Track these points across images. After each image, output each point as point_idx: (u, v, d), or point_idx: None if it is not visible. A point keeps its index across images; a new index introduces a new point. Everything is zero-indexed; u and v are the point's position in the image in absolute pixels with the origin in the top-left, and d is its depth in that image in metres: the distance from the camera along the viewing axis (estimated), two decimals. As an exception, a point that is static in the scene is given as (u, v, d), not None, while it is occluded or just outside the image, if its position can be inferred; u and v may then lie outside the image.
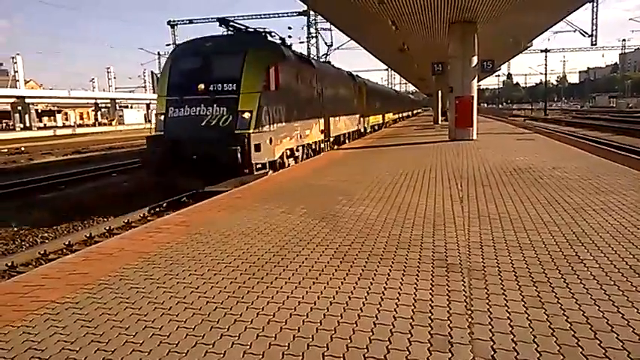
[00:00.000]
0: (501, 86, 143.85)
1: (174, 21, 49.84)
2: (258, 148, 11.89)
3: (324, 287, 4.25)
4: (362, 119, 29.78)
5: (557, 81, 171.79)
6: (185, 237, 6.13)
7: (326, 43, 49.38)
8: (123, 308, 3.94)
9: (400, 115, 61.14)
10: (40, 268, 5.36)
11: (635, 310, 3.56)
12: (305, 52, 45.26)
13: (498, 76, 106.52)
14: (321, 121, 18.48)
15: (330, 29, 44.97)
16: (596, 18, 45.09)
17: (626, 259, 4.67)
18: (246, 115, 12.10)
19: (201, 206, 8.35)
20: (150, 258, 5.29)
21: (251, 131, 11.94)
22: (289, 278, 4.51)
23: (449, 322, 3.48)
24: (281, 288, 4.27)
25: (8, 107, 68.60)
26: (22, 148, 33.76)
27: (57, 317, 3.82)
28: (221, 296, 4.13)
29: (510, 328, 3.34)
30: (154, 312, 3.85)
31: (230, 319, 3.66)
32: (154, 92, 36.17)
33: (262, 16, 49.37)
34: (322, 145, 18.98)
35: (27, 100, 65.50)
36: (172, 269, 4.89)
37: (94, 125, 76.93)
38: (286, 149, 14.37)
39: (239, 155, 11.27)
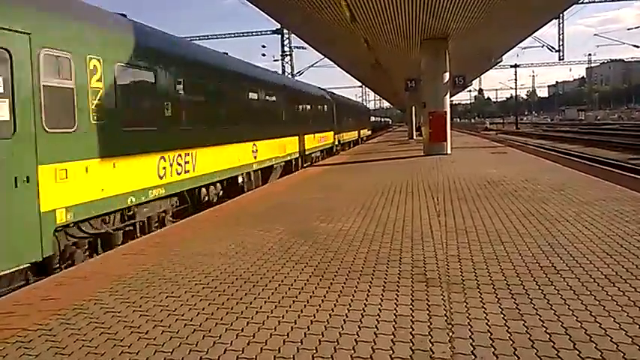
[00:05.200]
0: (473, 101, 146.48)
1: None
2: None
3: (304, 306, 4.21)
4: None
5: (527, 95, 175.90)
6: (161, 258, 6.02)
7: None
8: (98, 333, 3.84)
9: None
10: (11, 294, 5.19)
11: (612, 319, 3.60)
12: (279, 70, 45.48)
13: (470, 91, 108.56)
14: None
15: (303, 47, 45.42)
16: (563, 34, 46.68)
17: (601, 269, 4.74)
18: None
19: (177, 227, 8.24)
20: (125, 281, 5.17)
21: None
22: (268, 297, 4.45)
23: (430, 337, 3.47)
24: (260, 308, 4.21)
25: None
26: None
27: (29, 345, 3.70)
28: (199, 318, 4.05)
29: (491, 341, 3.35)
30: (130, 336, 3.76)
31: (209, 342, 3.59)
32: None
33: (235, 35, 49.71)
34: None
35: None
36: (148, 292, 4.79)
37: None
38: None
39: None
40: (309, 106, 22.85)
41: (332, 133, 26.95)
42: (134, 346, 3.58)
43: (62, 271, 6.08)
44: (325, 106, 25.76)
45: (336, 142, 27.36)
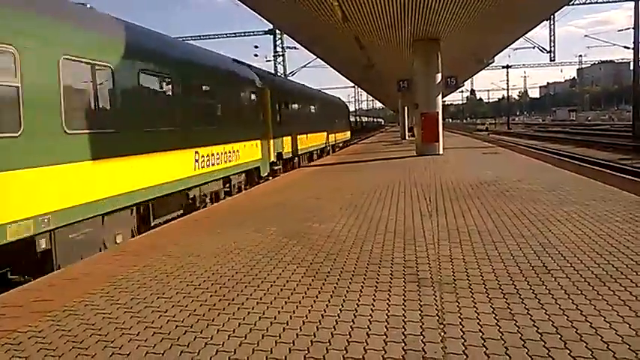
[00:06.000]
0: (465, 102, 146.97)
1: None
2: None
3: (297, 306, 4.20)
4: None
5: (518, 96, 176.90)
6: (153, 259, 5.99)
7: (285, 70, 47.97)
8: (88, 335, 3.81)
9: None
10: (1, 295, 5.14)
11: (603, 318, 3.62)
12: (272, 70, 45.37)
13: (462, 92, 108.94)
14: None
15: (296, 47, 45.38)
16: (554, 35, 46.82)
17: (591, 269, 4.77)
18: None
19: (169, 227, 8.20)
20: (116, 282, 5.14)
21: None
22: (261, 298, 4.44)
23: (422, 337, 3.48)
24: (252, 309, 4.20)
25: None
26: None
27: (19, 347, 3.66)
28: (191, 319, 4.03)
29: (482, 341, 3.35)
30: (120, 338, 3.73)
31: (200, 343, 3.57)
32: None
33: (228, 35, 49.65)
34: None
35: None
36: (140, 293, 4.76)
37: None
38: None
39: None
40: (193, 93, 11.26)
41: (258, 142, 15.38)
42: (125, 347, 3.56)
43: (54, 272, 6.03)
44: (248, 96, 15.05)
45: (273, 159, 16.86)
